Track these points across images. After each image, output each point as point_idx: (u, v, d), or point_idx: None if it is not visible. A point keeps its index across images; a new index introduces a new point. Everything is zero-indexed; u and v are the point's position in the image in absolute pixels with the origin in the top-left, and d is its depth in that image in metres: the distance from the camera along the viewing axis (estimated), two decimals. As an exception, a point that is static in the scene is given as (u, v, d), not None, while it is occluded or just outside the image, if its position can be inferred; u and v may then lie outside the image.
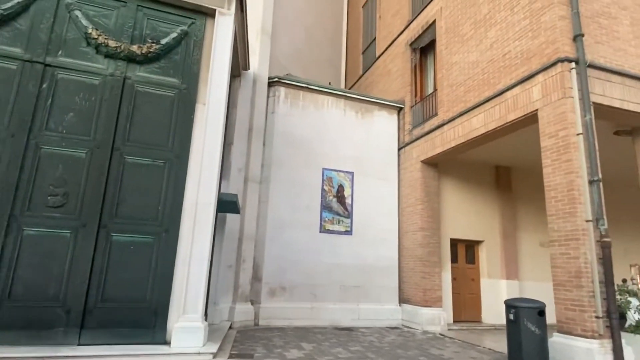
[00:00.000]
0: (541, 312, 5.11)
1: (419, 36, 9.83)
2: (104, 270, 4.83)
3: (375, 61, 12.13)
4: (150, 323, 4.87)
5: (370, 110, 10.00)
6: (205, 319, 5.43)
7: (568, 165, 5.57)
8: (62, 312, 4.63)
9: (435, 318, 8.31)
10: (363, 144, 9.65)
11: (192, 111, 5.52)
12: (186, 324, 4.89)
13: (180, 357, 4.62)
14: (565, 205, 5.54)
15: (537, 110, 6.19)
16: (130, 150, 5.20)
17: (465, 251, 9.59)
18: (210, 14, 5.80)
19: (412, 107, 10.01)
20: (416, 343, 6.74)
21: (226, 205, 6.62)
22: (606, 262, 5.19)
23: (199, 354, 4.73)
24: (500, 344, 6.75)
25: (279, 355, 5.36)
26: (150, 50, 5.40)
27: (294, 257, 8.38)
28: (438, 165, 9.40)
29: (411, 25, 10.22)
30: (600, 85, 5.96)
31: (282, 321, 7.95)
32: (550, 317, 5.92)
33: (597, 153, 5.60)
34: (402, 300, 9.02)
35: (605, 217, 5.36)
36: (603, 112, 6.08)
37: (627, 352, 5.10)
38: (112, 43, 5.22)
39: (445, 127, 8.43)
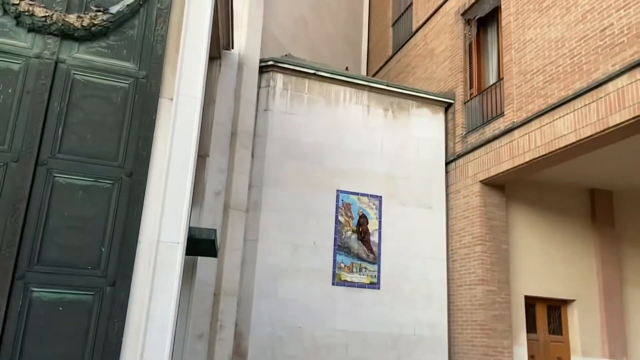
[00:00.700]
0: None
1: (477, 1, 9.88)
2: (17, 345, 4.69)
3: (412, 37, 12.21)
4: (84, 423, 4.69)
5: (405, 107, 9.98)
6: (166, 417, 5.24)
7: None
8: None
9: (505, 415, 8.08)
10: (395, 155, 9.60)
11: (153, 109, 5.47)
12: None
13: None
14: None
15: (654, 110, 6.09)
16: (63, 165, 5.13)
17: (547, 315, 9.40)
18: (181, -30, 5.83)
19: (465, 103, 9.98)
20: None
21: (198, 245, 6.52)
22: None
23: None
24: None
25: None
26: (95, 22, 5.38)
27: (294, 322, 8.23)
28: (505, 187, 9.31)
29: (465, -14, 10.30)
30: None
31: (276, 418, 7.76)
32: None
33: None
34: (455, 387, 8.79)
35: None
36: None
37: None
38: (39, 11, 5.22)
39: (516, 132, 8.36)
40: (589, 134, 6.99)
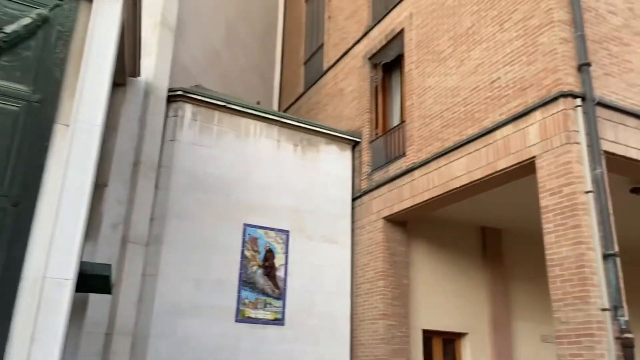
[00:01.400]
0: None
1: (382, 48, 10.42)
2: None
3: (323, 76, 12.57)
4: None
5: (314, 143, 10.18)
6: None
7: (576, 234, 5.99)
8: None
9: None
10: (303, 190, 9.71)
11: (46, 135, 5.16)
12: None
13: None
14: (574, 288, 5.89)
15: (534, 157, 6.69)
16: (-64, 193, 4.66)
17: (443, 348, 9.73)
18: (86, -7, 5.63)
19: (371, 142, 10.37)
20: None
21: (91, 281, 6.12)
22: (629, 367, 5.52)
23: None
24: None
25: None
26: (-14, 40, 5.04)
27: (194, 362, 7.89)
28: (407, 224, 9.68)
29: (371, 32, 10.84)
30: (612, 129, 6.65)
31: None
32: None
33: (612, 217, 6.12)
34: (355, 423, 8.79)
35: (624, 304, 5.76)
36: (616, 164, 6.73)
37: None
38: None
39: (417, 172, 8.79)
40: (479, 176, 7.50)
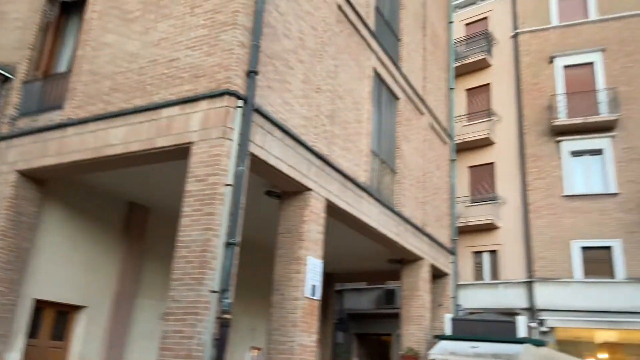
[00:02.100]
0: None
1: (67, -16, 9.17)
2: None
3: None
4: None
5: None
6: None
7: (208, 220, 6.36)
8: None
9: None
10: None
11: None
12: None
13: None
14: (195, 269, 6.22)
15: (191, 143, 6.87)
16: None
17: (55, 321, 8.97)
18: None
19: (26, 83, 8.96)
20: None
21: None
22: (221, 345, 6.10)
23: None
24: None
25: None
26: None
27: None
28: (45, 183, 8.63)
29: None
30: (261, 135, 7.37)
31: None
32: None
33: (242, 211, 6.74)
34: None
35: (232, 288, 6.38)
36: (258, 167, 7.50)
37: None
38: None
39: (70, 129, 7.98)
40: (136, 149, 7.27)
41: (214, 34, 7.26)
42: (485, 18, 21.65)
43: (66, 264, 8.97)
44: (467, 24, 21.99)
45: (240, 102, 6.97)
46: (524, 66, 20.08)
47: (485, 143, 19.91)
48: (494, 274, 18.70)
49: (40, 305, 8.67)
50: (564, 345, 16.44)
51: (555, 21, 20.13)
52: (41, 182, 8.54)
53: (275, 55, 7.89)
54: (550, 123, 18.70)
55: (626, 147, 17.76)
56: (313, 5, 9.05)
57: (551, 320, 16.77)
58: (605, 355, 17.97)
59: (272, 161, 7.57)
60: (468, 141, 19.82)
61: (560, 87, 19.21)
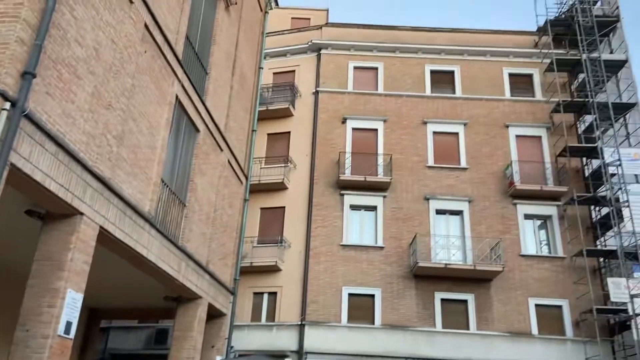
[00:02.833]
0: None
1: None
2: None
3: None
4: None
5: None
6: None
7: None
8: None
9: None
10: None
11: None
12: None
13: None
14: None
15: None
16: None
17: None
18: None
19: None
20: None
21: None
22: None
23: None
24: None
25: None
26: None
27: None
28: None
29: None
30: (29, 145, 6.41)
31: None
32: None
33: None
34: None
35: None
36: (19, 181, 6.47)
37: None
38: None
39: None
40: None
41: (-10, 21, 6.21)
42: (293, 71, 23.03)
43: None
44: (275, 73, 23.09)
45: (7, 105, 6.01)
46: (320, 122, 21.73)
47: (279, 187, 20.74)
48: (272, 315, 19.16)
49: None
50: (324, 386, 17.44)
51: (350, 87, 22.41)
52: None
53: (61, 61, 7.07)
54: (337, 177, 20.39)
55: (394, 206, 20.25)
56: (116, 18, 8.45)
57: (315, 363, 17.74)
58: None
59: (38, 176, 6.61)
60: (263, 183, 20.42)
61: (348, 146, 21.23)
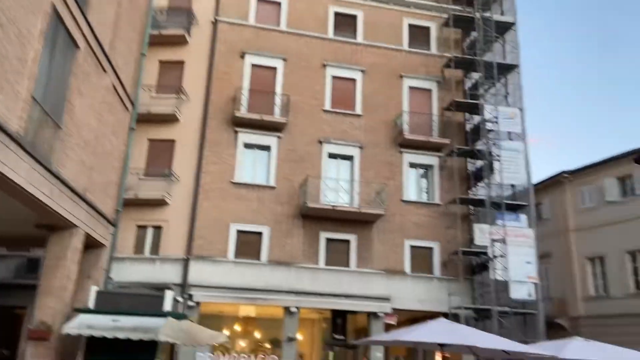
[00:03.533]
0: None
1: None
2: None
3: None
4: None
5: None
6: None
7: None
8: None
9: None
10: None
11: None
12: None
13: None
14: None
15: None
16: None
17: None
18: None
19: None
20: None
21: None
22: None
23: None
24: None
25: None
26: None
27: None
28: None
29: None
30: None
31: None
32: None
33: None
34: None
35: None
36: None
37: None
38: None
39: None
40: None
41: None
42: (190, -5, 21.64)
43: None
44: (171, -5, 21.58)
45: None
46: (218, 54, 20.86)
47: (169, 119, 19.84)
48: (156, 249, 18.76)
49: None
50: (208, 319, 17.72)
51: (252, 20, 21.62)
52: None
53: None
54: (232, 113, 19.93)
55: (288, 148, 20.37)
56: None
57: (198, 295, 17.83)
58: (238, 328, 20.22)
59: None
60: (153, 114, 19.39)
61: (246, 83, 20.71)
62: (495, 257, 18.98)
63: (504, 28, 22.41)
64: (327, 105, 21.19)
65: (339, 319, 19.73)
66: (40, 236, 12.16)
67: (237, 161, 19.89)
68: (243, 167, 20.06)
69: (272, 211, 19.50)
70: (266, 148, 20.36)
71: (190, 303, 17.65)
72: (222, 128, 20.09)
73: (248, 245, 19.03)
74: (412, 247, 20.29)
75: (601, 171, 25.36)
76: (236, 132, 20.12)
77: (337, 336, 19.61)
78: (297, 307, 18.39)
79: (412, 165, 21.48)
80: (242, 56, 20.99)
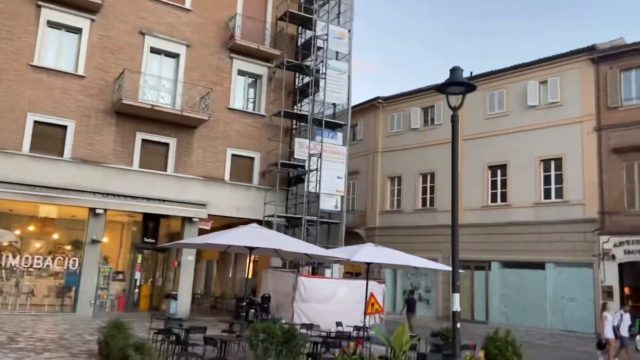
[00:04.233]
0: None
1: None
2: None
3: None
4: None
5: None
6: None
7: None
8: None
9: None
10: None
11: None
12: None
13: None
14: None
15: None
16: None
17: None
18: None
19: None
20: None
21: None
22: None
23: None
24: None
25: None
26: None
27: None
28: None
29: None
30: None
31: None
32: None
33: None
34: None
35: None
36: None
37: None
38: None
39: None
40: None
41: None
42: None
43: None
44: None
45: None
46: None
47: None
48: None
49: None
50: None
51: None
52: None
53: None
54: (33, -18, 16.65)
55: (103, 34, 17.96)
56: None
57: (-16, 190, 15.45)
58: (33, 228, 18.25)
59: None
60: None
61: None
62: (310, 170, 19.80)
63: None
64: (152, -8, 18.99)
65: (150, 223, 19.02)
66: None
67: (39, 41, 16.97)
68: (46, 49, 17.21)
69: (79, 103, 17.32)
70: (77, 30, 17.68)
71: (-29, 199, 15.21)
72: (20, -1, 16.77)
73: (48, 139, 16.78)
74: (234, 155, 20.08)
75: (410, 100, 27.79)
76: (39, 5, 16.98)
77: (147, 239, 18.97)
78: (104, 209, 17.11)
79: (241, 72, 20.77)
80: None
